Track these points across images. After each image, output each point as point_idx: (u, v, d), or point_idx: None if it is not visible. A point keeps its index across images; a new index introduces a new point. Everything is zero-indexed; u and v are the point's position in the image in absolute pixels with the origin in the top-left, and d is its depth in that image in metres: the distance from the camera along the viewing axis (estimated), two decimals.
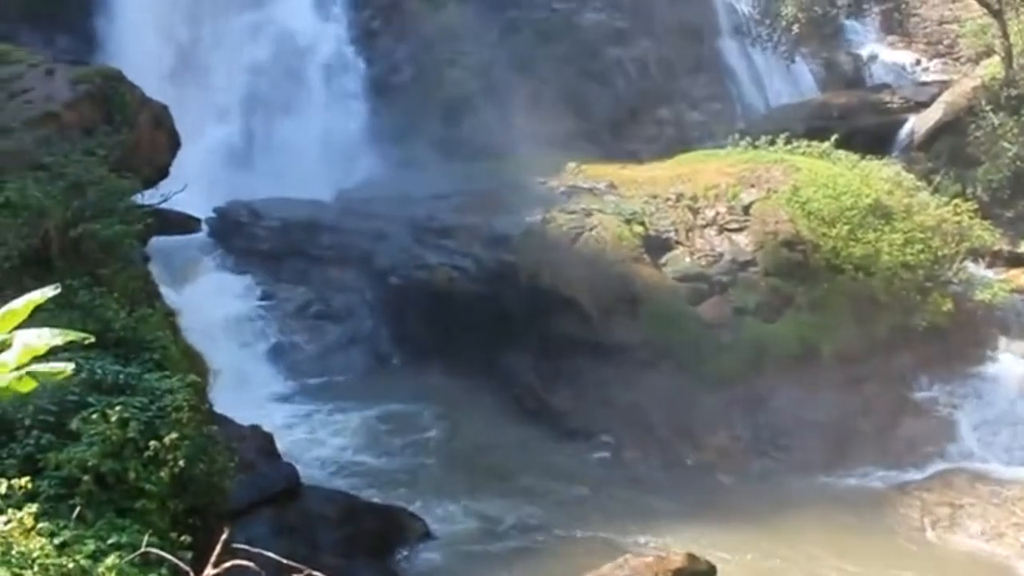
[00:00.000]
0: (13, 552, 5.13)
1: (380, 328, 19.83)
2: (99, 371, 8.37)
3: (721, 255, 18.27)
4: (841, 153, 20.54)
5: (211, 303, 18.64)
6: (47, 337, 2.81)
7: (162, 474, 7.64)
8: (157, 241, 15.06)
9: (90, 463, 7.32)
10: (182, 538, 7.03)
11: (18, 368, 2.75)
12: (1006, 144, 20.74)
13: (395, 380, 18.91)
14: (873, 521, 14.84)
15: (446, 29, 25.24)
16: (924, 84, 25.44)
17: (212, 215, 20.49)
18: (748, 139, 21.55)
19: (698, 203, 19.18)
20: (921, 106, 23.67)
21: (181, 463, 7.75)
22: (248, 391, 16.99)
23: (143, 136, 14.55)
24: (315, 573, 4.07)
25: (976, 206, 19.70)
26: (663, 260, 18.30)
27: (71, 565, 5.59)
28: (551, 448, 16.76)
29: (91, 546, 6.25)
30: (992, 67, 22.58)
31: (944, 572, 13.82)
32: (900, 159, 21.97)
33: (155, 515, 7.52)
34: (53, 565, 5.40)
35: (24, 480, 5.82)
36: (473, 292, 18.56)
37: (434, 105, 24.13)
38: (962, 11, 26.28)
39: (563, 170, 21.62)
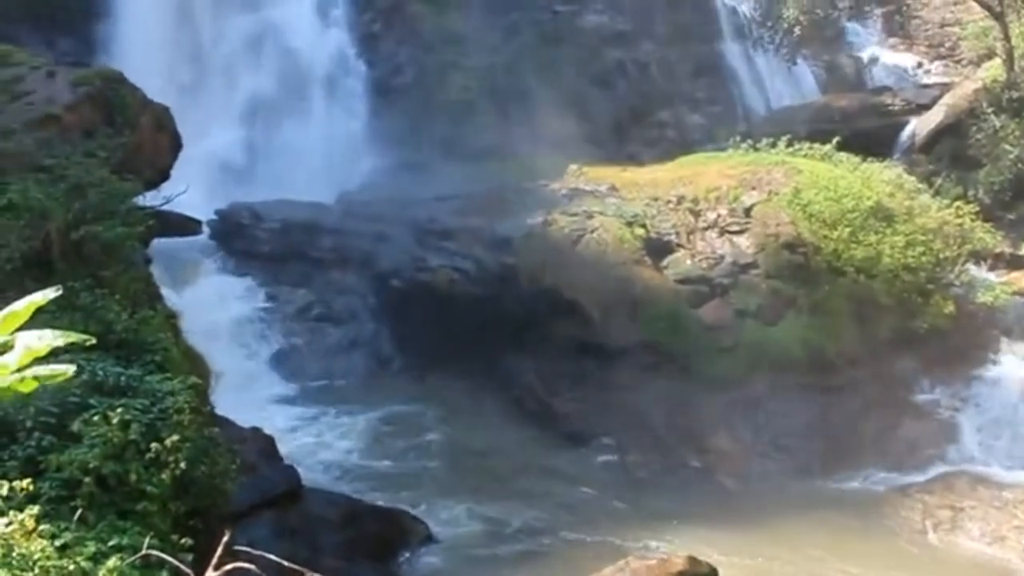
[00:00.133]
0: (14, 554, 5.12)
1: (381, 330, 19.82)
2: (100, 373, 8.37)
3: (722, 257, 18.26)
4: (842, 155, 20.54)
5: (212, 305, 18.64)
6: (48, 339, 2.80)
7: (163, 476, 7.63)
8: (158, 243, 15.06)
9: (91, 465, 7.32)
10: (183, 540, 7.02)
11: (19, 370, 2.75)
12: (1007, 146, 20.75)
13: (397, 383, 18.90)
14: (874, 523, 14.83)
15: (448, 31, 25.26)
16: (925, 86, 25.45)
17: (213, 217, 20.49)
18: (749, 141, 21.55)
19: (699, 205, 19.19)
20: (922, 108, 23.68)
21: (182, 465, 7.74)
22: (249, 393, 16.98)
23: (144, 138, 14.55)
24: None
25: (977, 208, 19.70)
26: (664, 262, 18.29)
27: (72, 567, 5.59)
28: (552, 450, 16.75)
29: (92, 548, 6.25)
30: (993, 69, 22.59)
31: (945, 575, 13.81)
32: (901, 161, 21.98)
33: (156, 517, 7.52)
34: (54, 567, 5.39)
35: (25, 482, 5.82)
36: (474, 294, 18.56)
37: (436, 107, 24.14)
38: (963, 13, 26.29)
39: (564, 172, 21.63)
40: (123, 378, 8.49)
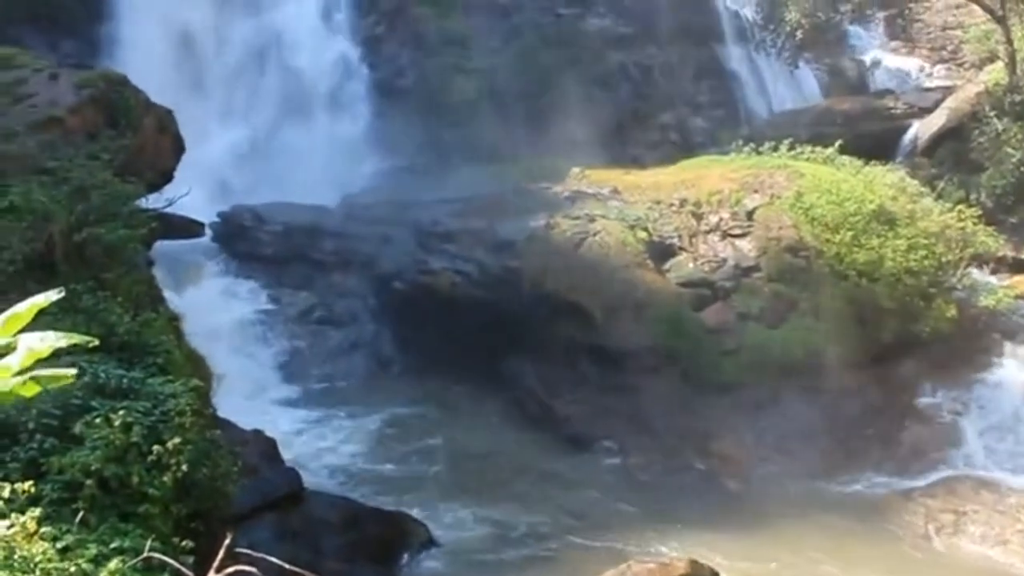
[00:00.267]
0: (15, 556, 5.12)
1: (383, 333, 19.83)
2: (102, 375, 8.36)
3: (724, 261, 18.26)
4: (845, 159, 20.53)
5: (214, 307, 18.65)
6: (51, 340, 2.80)
7: (165, 479, 7.62)
8: (161, 245, 15.06)
9: (93, 467, 7.31)
10: (185, 543, 7.01)
11: (22, 372, 2.75)
12: (1010, 150, 20.74)
13: (398, 385, 18.90)
14: (877, 527, 14.81)
15: (450, 34, 25.29)
16: (928, 90, 25.46)
17: (216, 219, 20.51)
18: (752, 145, 21.56)
19: (702, 209, 19.18)
20: (925, 112, 23.70)
21: (184, 468, 7.73)
22: (251, 396, 17.00)
23: (147, 140, 14.56)
24: None
25: (980, 212, 19.69)
26: (667, 266, 18.28)
27: (73, 569, 5.58)
28: (554, 453, 16.74)
29: (93, 550, 6.24)
30: (996, 73, 22.59)
31: None
32: (904, 165, 21.98)
33: (158, 520, 7.51)
34: (55, 569, 5.39)
35: (27, 484, 5.81)
36: (476, 297, 18.55)
37: (438, 110, 24.17)
38: (966, 17, 26.30)
39: (567, 175, 21.65)
40: (125, 380, 8.49)
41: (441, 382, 18.55)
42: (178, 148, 15.40)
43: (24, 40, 19.45)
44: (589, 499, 15.39)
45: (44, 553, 5.35)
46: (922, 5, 26.09)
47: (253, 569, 3.98)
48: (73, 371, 2.87)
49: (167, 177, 15.05)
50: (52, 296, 2.86)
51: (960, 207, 19.57)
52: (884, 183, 19.72)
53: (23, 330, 2.77)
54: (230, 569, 3.84)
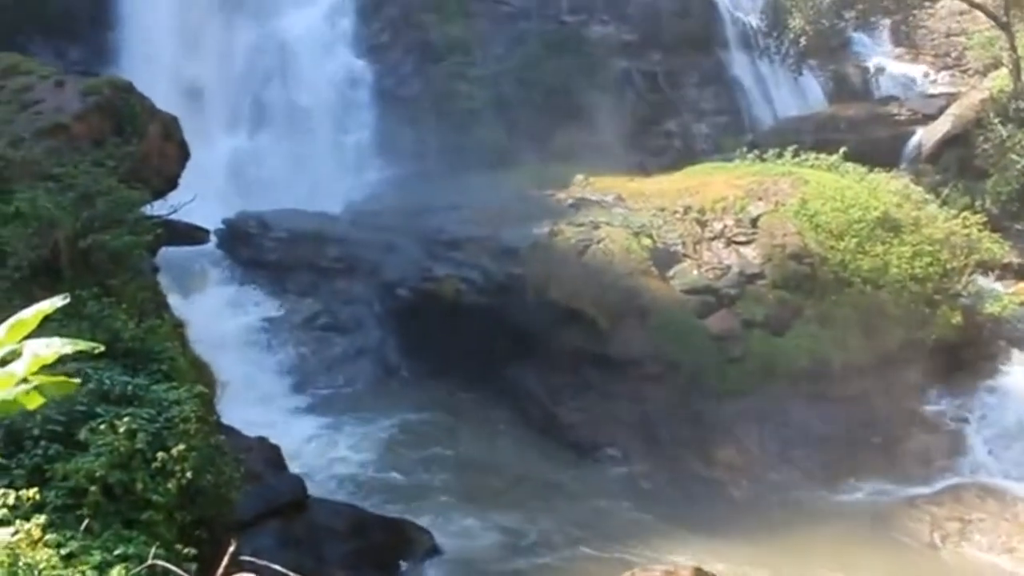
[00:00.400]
0: (20, 563, 5.11)
1: (388, 340, 19.83)
2: (107, 382, 8.37)
3: (729, 268, 18.24)
4: (849, 165, 20.52)
5: (219, 314, 18.67)
6: (56, 346, 2.81)
7: (169, 485, 7.62)
8: (166, 252, 15.10)
9: (98, 474, 7.31)
10: (188, 550, 7.00)
11: (27, 378, 2.75)
12: (1015, 156, 20.69)
13: (404, 392, 18.89)
14: (882, 535, 14.76)
15: (455, 41, 25.34)
16: (932, 96, 25.45)
17: (221, 226, 20.54)
18: (756, 151, 21.56)
19: (706, 216, 19.17)
20: (929, 118, 23.67)
21: (188, 475, 7.73)
22: (255, 403, 16.98)
23: (152, 147, 14.61)
24: None
25: (985, 219, 19.64)
26: (671, 273, 18.26)
27: None
28: (558, 461, 16.71)
29: (97, 557, 6.24)
30: (1000, 79, 22.57)
31: None
32: (908, 171, 21.95)
33: (162, 526, 7.50)
34: None
35: (32, 491, 5.81)
36: (481, 304, 18.55)
37: (442, 117, 24.20)
38: (970, 23, 26.29)
39: (571, 182, 21.65)
40: (130, 387, 8.49)
41: (447, 389, 18.54)
42: (183, 155, 15.45)
43: (31, 48, 19.57)
44: (594, 507, 15.36)
45: (48, 560, 5.35)
46: (926, 12, 26.07)
47: None
48: (77, 380, 2.88)
49: (172, 184, 15.10)
50: (57, 302, 2.86)
51: (965, 213, 19.54)
52: (888, 190, 19.70)
53: (29, 336, 2.77)
54: None
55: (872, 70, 27.07)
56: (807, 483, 16.03)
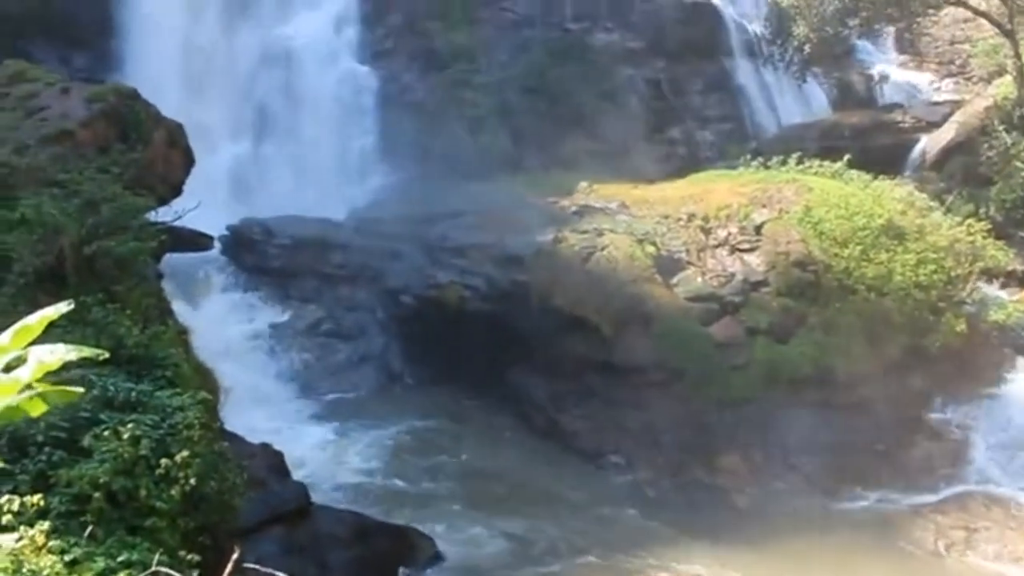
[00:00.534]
0: (24, 570, 5.11)
1: (391, 346, 19.84)
2: (111, 388, 8.38)
3: (733, 275, 18.23)
4: (853, 173, 20.50)
5: (223, 320, 18.69)
6: (61, 353, 2.81)
7: (173, 492, 7.61)
8: (170, 258, 15.12)
9: (101, 480, 7.31)
10: (192, 556, 7.00)
11: (31, 384, 2.75)
12: (1019, 164, 20.69)
13: (408, 399, 18.89)
14: (886, 544, 14.71)
15: (459, 49, 25.40)
16: (936, 104, 25.44)
17: (225, 233, 20.57)
18: (760, 159, 21.56)
19: (710, 223, 19.17)
20: (933, 126, 23.68)
21: (192, 481, 7.72)
22: (259, 409, 16.97)
23: (157, 154, 14.63)
24: None
25: (989, 226, 19.61)
26: (675, 280, 18.26)
27: None
28: (563, 469, 16.69)
29: (101, 564, 6.23)
30: (1004, 87, 22.58)
31: None
32: (912, 179, 21.94)
33: (165, 533, 7.50)
34: None
35: (36, 497, 5.81)
36: (484, 311, 18.55)
37: (447, 124, 24.24)
38: (974, 31, 26.30)
39: (575, 189, 21.68)
40: (134, 393, 8.50)
41: (450, 396, 18.54)
42: (188, 161, 15.47)
43: (36, 54, 19.63)
44: (599, 514, 15.33)
45: (52, 566, 5.34)
46: (930, 19, 26.08)
47: None
48: (80, 389, 2.88)
49: (177, 190, 15.12)
50: (62, 308, 2.86)
51: (969, 221, 19.51)
52: (893, 197, 19.68)
53: (33, 342, 2.77)
54: None
55: (876, 77, 27.08)
56: (811, 491, 15.99)
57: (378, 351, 19.78)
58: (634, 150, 24.98)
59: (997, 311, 18.36)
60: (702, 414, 16.86)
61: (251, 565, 4.40)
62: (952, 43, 27.68)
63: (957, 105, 24.20)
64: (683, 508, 15.60)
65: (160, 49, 22.50)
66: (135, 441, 7.66)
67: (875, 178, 20.37)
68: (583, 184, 21.73)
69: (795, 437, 16.65)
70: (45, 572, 5.24)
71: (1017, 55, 21.74)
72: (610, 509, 15.51)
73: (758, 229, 18.81)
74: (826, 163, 20.79)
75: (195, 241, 18.03)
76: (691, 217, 19.36)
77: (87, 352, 2.84)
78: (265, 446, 13.58)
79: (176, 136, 15.25)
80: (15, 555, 5.05)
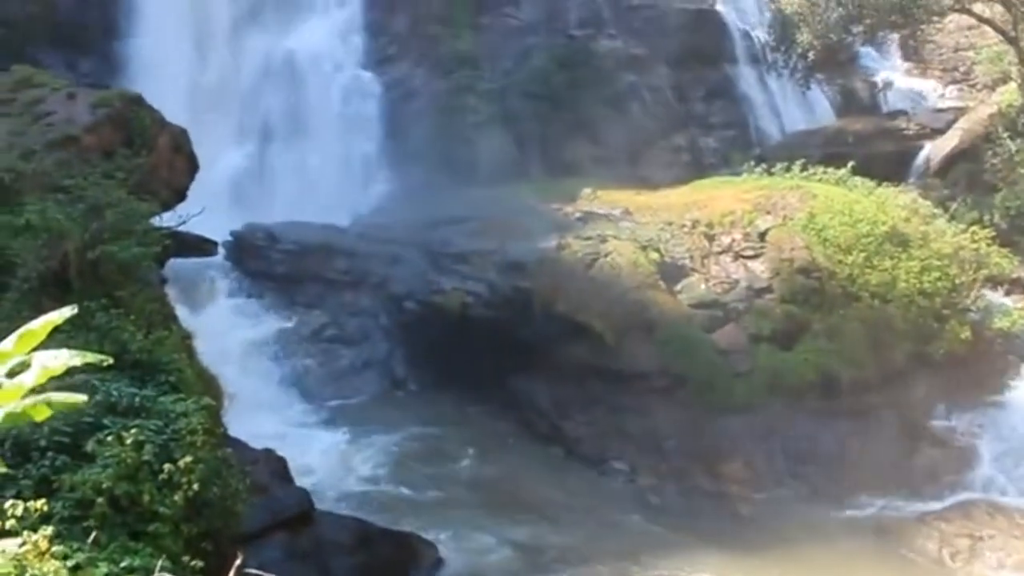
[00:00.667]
0: (27, 575, 5.11)
1: (395, 352, 19.84)
2: (115, 393, 8.38)
3: (737, 282, 18.21)
4: (857, 180, 20.50)
5: (227, 326, 18.69)
6: (64, 358, 2.81)
7: (176, 497, 7.61)
8: (174, 263, 15.14)
9: (104, 485, 7.31)
10: (194, 562, 6.99)
11: (35, 389, 2.75)
12: (1023, 171, 20.64)
13: (411, 405, 18.87)
14: (890, 552, 14.65)
15: (463, 55, 25.44)
16: (940, 111, 25.43)
17: (229, 238, 20.59)
18: (764, 165, 21.56)
19: (713, 230, 19.17)
20: (937, 133, 23.66)
21: (195, 487, 7.72)
22: (263, 414, 16.97)
23: (162, 159, 14.66)
24: None
25: (994, 233, 19.59)
26: (678, 287, 18.25)
27: None
28: (566, 475, 16.66)
29: (104, 569, 6.23)
30: (1009, 94, 22.57)
31: None
32: (916, 186, 21.93)
33: (168, 539, 7.49)
34: None
35: (39, 502, 5.81)
36: (487, 317, 18.55)
37: (450, 130, 24.26)
38: (978, 38, 26.30)
39: (578, 196, 21.67)
40: (137, 398, 8.50)
41: (453, 402, 18.52)
42: (192, 167, 15.50)
43: (43, 60, 19.70)
44: (603, 521, 15.29)
45: (55, 572, 5.34)
46: (934, 26, 26.05)
47: None
48: (83, 397, 2.88)
49: (181, 195, 15.15)
50: (66, 313, 2.87)
51: (974, 228, 19.49)
52: (897, 204, 19.67)
53: (37, 347, 2.78)
54: None
55: (880, 84, 27.09)
56: (815, 498, 15.94)
57: (381, 357, 19.78)
58: (638, 156, 25.00)
59: (1002, 318, 18.33)
60: (705, 421, 16.83)
61: (254, 571, 4.39)
62: (956, 50, 27.69)
63: (961, 112, 24.20)
64: (687, 515, 15.57)
65: (166, 54, 22.55)
66: (138, 446, 7.66)
67: (879, 185, 20.37)
68: (587, 190, 21.74)
69: (799, 444, 16.62)
70: None
71: (1021, 62, 21.73)
72: (615, 516, 15.47)
73: (762, 236, 18.81)
74: (830, 170, 20.79)
75: (199, 246, 18.05)
76: (695, 224, 19.36)
77: (91, 358, 2.84)
78: (268, 452, 13.57)
79: (180, 141, 15.28)
80: (18, 560, 5.05)
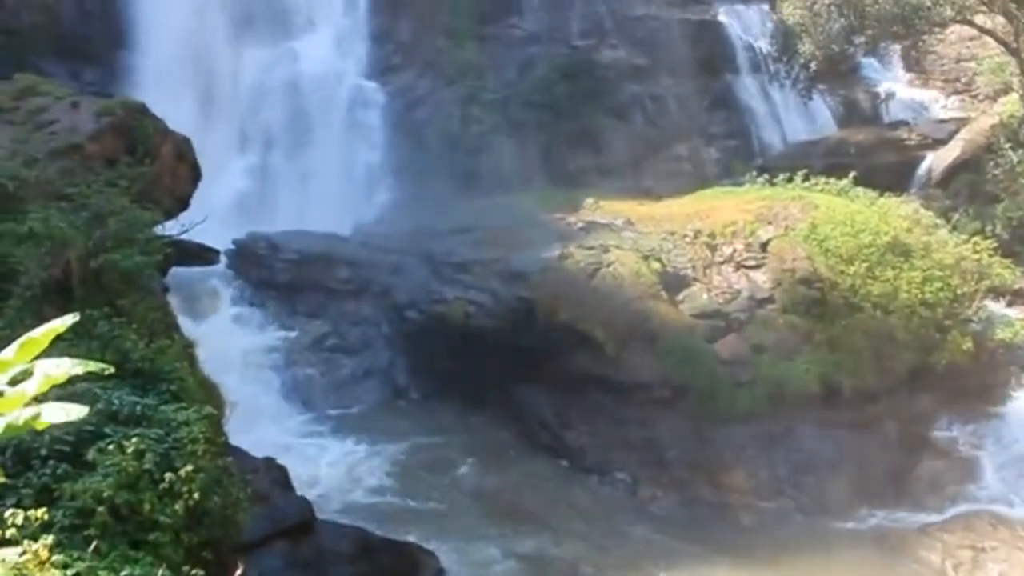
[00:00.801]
0: None
1: (396, 361, 19.83)
2: (116, 402, 8.37)
3: (738, 292, 18.21)
4: (859, 190, 20.51)
5: (229, 334, 18.69)
6: (66, 367, 2.82)
7: (177, 506, 7.59)
8: (176, 272, 15.13)
9: (105, 494, 7.29)
10: (195, 571, 6.97)
11: (38, 398, 2.76)
12: None
13: (413, 414, 18.85)
14: (893, 563, 14.61)
15: (466, 65, 25.50)
16: (942, 121, 25.45)
17: (231, 247, 20.62)
18: (766, 176, 21.58)
19: (716, 240, 19.17)
20: (939, 143, 23.68)
21: (196, 496, 7.70)
22: (264, 423, 16.96)
23: (165, 168, 14.68)
24: None
25: (996, 244, 19.59)
26: (680, 297, 18.24)
27: None
28: (568, 486, 16.63)
29: None
30: (1010, 104, 22.59)
31: None
32: (918, 196, 21.93)
33: (169, 548, 7.47)
34: None
35: (40, 511, 5.80)
36: (490, 327, 18.54)
37: (453, 140, 24.31)
38: (979, 49, 26.34)
39: (581, 205, 21.69)
40: (138, 407, 8.49)
41: (456, 411, 18.50)
42: (195, 175, 15.52)
43: (47, 69, 19.76)
44: (606, 532, 15.27)
45: None
46: (936, 37, 26.10)
47: None
48: (84, 411, 2.88)
49: (184, 204, 15.16)
50: (68, 321, 2.87)
51: (975, 239, 19.49)
52: (899, 214, 19.67)
53: (39, 356, 2.78)
54: None
55: (882, 95, 27.14)
56: (816, 509, 15.91)
57: (383, 366, 19.77)
58: (640, 166, 25.03)
59: (1004, 329, 18.30)
60: (707, 431, 16.80)
61: None
62: (958, 61, 27.73)
63: (963, 123, 24.21)
64: (690, 525, 15.53)
65: (169, 63, 22.62)
66: (139, 455, 7.65)
67: (881, 195, 20.37)
68: (589, 200, 21.75)
69: (800, 455, 16.58)
70: None
71: (1023, 73, 21.75)
72: (617, 526, 15.44)
73: (764, 246, 18.81)
74: (832, 180, 20.80)
75: (201, 255, 18.07)
76: (697, 234, 19.37)
77: (92, 366, 2.85)
78: (269, 460, 13.54)
79: (184, 150, 15.30)
80: (18, 569, 5.04)
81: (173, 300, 13.94)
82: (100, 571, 6.35)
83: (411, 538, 13.96)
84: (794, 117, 26.54)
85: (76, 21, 22.93)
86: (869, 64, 27.66)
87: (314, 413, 18.58)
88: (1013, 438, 17.12)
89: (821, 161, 22.82)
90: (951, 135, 23.63)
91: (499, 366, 17.98)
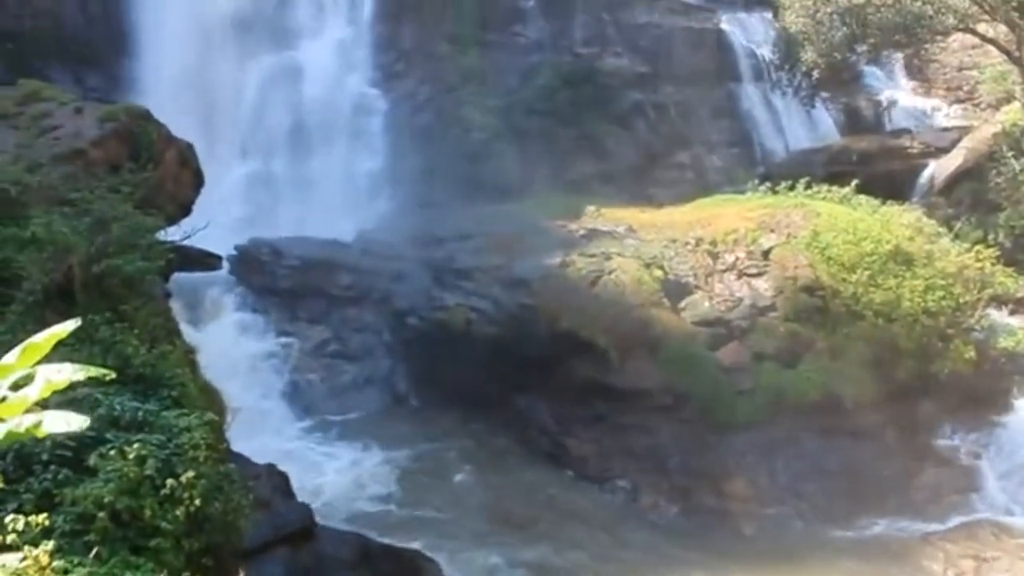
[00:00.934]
0: None
1: (398, 368, 19.83)
2: (117, 407, 8.36)
3: (740, 300, 18.20)
4: (861, 198, 20.50)
5: (230, 340, 18.70)
6: (68, 372, 2.82)
7: (178, 512, 7.58)
8: (178, 278, 15.14)
9: (106, 500, 7.28)
10: None
11: (39, 403, 2.76)
12: None
13: (414, 421, 18.84)
14: (895, 572, 14.56)
15: (469, 72, 25.55)
16: (944, 130, 25.48)
17: (233, 252, 20.63)
18: (768, 184, 21.59)
19: (717, 248, 19.17)
20: (941, 152, 23.69)
21: (197, 502, 7.69)
22: (265, 429, 16.95)
23: (168, 173, 14.70)
24: None
25: (998, 252, 19.57)
26: (682, 304, 18.23)
27: None
28: (570, 493, 16.60)
29: None
30: (1013, 113, 22.60)
31: None
32: (920, 205, 21.93)
33: (170, 554, 7.46)
34: None
35: (41, 516, 5.79)
36: (491, 334, 18.54)
37: (455, 147, 24.35)
38: (981, 57, 26.37)
39: (582, 213, 21.70)
40: (140, 413, 8.48)
41: (457, 418, 18.48)
42: (198, 181, 15.54)
43: (51, 75, 19.85)
44: (609, 539, 15.25)
45: None
46: (938, 46, 26.14)
47: None
48: (85, 423, 2.88)
49: (186, 210, 15.17)
50: (70, 326, 2.87)
51: (978, 247, 19.47)
52: (901, 223, 19.66)
53: (41, 361, 2.78)
54: None
55: (884, 103, 27.16)
56: (818, 517, 15.87)
57: (384, 373, 19.77)
58: (642, 174, 25.05)
59: (1006, 338, 18.27)
60: (708, 439, 16.78)
61: None
62: (960, 69, 27.76)
63: (965, 131, 24.23)
64: (692, 533, 15.50)
65: (172, 70, 22.69)
66: (141, 461, 7.64)
67: (883, 203, 20.37)
68: (591, 208, 21.76)
69: (802, 463, 16.55)
70: None
71: None
72: (619, 534, 15.41)
73: (766, 254, 18.81)
74: (834, 188, 20.81)
75: (203, 261, 18.04)
76: (699, 241, 19.37)
77: (94, 372, 2.85)
78: (270, 467, 13.52)
79: (186, 156, 15.33)
80: (19, 574, 5.04)
81: (175, 306, 13.95)
82: None
83: (414, 545, 13.93)
84: (796, 125, 26.57)
85: (79, 26, 23.01)
86: (871, 72, 27.70)
87: (315, 419, 18.58)
88: (1015, 447, 17.07)
89: (823, 169, 22.84)
90: (953, 143, 23.64)
91: (500, 373, 17.97)
